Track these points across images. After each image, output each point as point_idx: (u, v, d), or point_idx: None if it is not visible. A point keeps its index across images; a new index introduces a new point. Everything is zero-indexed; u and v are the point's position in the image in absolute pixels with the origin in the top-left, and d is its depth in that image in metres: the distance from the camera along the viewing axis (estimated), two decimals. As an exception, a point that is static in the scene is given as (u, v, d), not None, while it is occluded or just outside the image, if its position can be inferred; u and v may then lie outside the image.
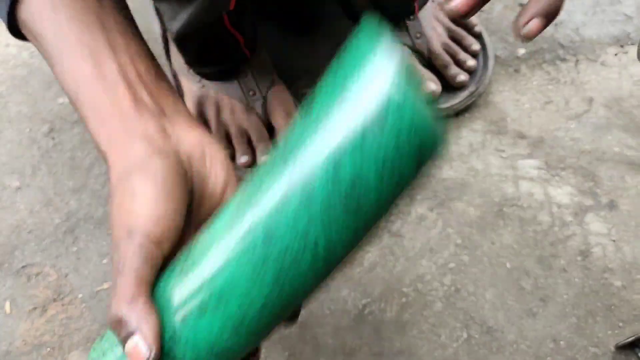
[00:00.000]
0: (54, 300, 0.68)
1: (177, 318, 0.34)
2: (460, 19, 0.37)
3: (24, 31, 0.40)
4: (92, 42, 0.38)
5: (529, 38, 0.38)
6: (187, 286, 0.34)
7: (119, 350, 0.36)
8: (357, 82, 0.29)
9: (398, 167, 0.29)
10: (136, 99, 0.38)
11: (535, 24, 0.38)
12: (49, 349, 0.65)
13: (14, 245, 0.71)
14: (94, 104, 0.38)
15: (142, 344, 0.33)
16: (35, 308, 0.67)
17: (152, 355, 0.33)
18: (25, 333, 0.66)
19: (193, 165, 0.38)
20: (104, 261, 0.70)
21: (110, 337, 0.37)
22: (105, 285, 0.68)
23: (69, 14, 0.38)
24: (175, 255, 0.36)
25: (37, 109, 0.82)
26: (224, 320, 0.33)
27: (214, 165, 0.39)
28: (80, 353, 0.64)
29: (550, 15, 0.38)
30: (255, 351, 0.39)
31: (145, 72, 0.39)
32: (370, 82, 0.29)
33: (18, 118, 0.81)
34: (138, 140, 0.37)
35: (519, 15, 0.38)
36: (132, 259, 0.34)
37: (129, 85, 0.38)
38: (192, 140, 0.39)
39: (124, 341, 0.34)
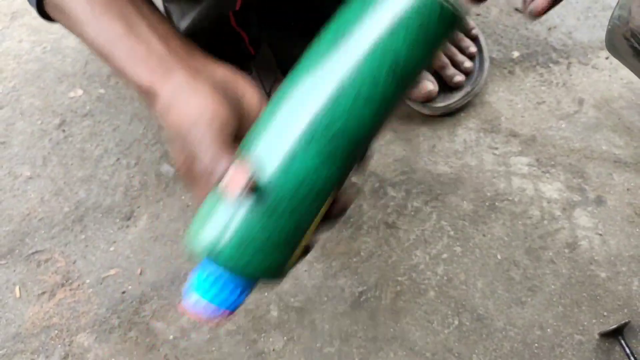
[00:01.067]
0: (62, 285, 0.70)
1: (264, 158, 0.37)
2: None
3: (50, 10, 0.43)
4: (120, 7, 0.42)
5: (534, 15, 0.40)
6: (271, 135, 0.38)
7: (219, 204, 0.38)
8: None
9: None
10: (169, 46, 0.41)
11: (541, 1, 0.39)
12: (57, 331, 0.67)
13: (24, 233, 0.74)
14: (131, 54, 0.41)
15: (236, 173, 0.35)
16: (44, 292, 0.70)
17: (251, 180, 0.35)
18: (34, 316, 0.68)
19: (228, 90, 0.41)
20: (111, 249, 0.73)
21: (203, 205, 0.39)
22: (112, 272, 0.71)
23: None
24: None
25: (48, 103, 0.85)
26: (313, 151, 0.37)
27: (246, 91, 0.42)
28: (87, 335, 0.67)
29: None
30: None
31: (171, 30, 0.43)
32: None
33: (30, 111, 0.84)
34: (179, 69, 0.40)
35: None
36: (203, 135, 0.37)
37: (160, 38, 0.42)
38: (223, 72, 0.42)
39: (219, 180, 0.36)
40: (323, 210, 0.39)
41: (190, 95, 0.39)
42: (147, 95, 0.41)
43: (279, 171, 0.37)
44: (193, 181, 0.40)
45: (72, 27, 0.43)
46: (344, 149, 0.38)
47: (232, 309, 0.39)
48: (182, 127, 0.38)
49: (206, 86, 0.39)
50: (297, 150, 0.37)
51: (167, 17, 0.45)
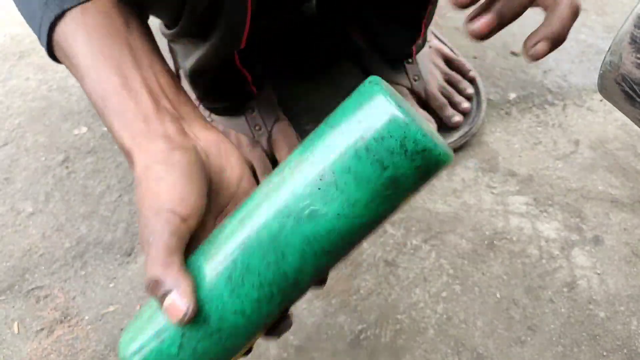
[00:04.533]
0: (61, 321, 0.70)
1: (207, 286, 0.37)
2: (478, 41, 0.40)
3: (57, 52, 0.45)
4: (119, 59, 0.43)
5: (535, 59, 0.42)
6: (215, 260, 0.37)
7: (157, 320, 0.38)
8: (361, 109, 0.34)
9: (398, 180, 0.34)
10: (158, 106, 0.42)
11: (541, 46, 0.41)
12: (54, 368, 0.67)
13: (24, 268, 0.74)
14: (120, 110, 0.42)
15: (179, 299, 0.36)
16: (42, 329, 0.70)
17: (190, 310, 0.36)
18: (32, 353, 0.68)
19: (210, 158, 0.42)
20: (111, 285, 0.73)
21: (142, 313, 0.39)
22: (111, 308, 0.71)
23: (99, 35, 0.43)
24: (199, 233, 0.40)
25: (53, 140, 0.86)
26: (251, 287, 0.37)
27: (229, 160, 0.43)
28: (85, 373, 0.66)
29: (556, 41, 0.42)
30: (286, 316, 0.42)
31: (167, 85, 0.44)
32: (374, 107, 0.33)
33: (34, 147, 0.85)
34: (160, 139, 0.41)
35: (528, 37, 0.42)
36: (161, 232, 0.37)
37: (152, 95, 0.43)
38: (208, 138, 0.43)
39: (161, 300, 0.36)
40: (260, 334, 0.40)
41: (163, 174, 0.39)
42: (128, 159, 0.42)
43: (218, 305, 0.37)
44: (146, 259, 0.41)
45: (73, 72, 0.45)
46: (291, 289, 0.37)
47: None
48: (145, 211, 0.39)
49: (182, 161, 0.40)
50: (237, 284, 0.37)
51: (167, 65, 0.46)
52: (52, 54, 0.46)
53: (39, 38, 0.45)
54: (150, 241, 0.37)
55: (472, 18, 0.40)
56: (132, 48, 0.43)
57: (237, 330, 0.38)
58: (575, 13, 0.42)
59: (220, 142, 0.43)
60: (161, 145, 0.40)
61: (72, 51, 0.43)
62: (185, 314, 0.36)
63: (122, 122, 0.42)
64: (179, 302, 0.36)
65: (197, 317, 0.37)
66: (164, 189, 0.39)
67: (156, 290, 0.37)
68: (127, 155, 0.42)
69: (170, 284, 0.36)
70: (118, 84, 0.42)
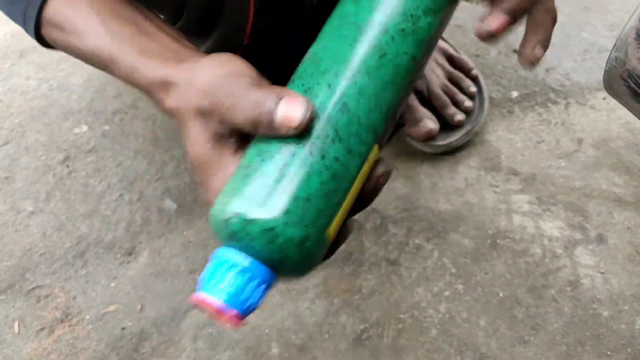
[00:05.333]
0: (62, 321, 0.70)
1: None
2: (489, 42, 0.41)
3: (46, 30, 0.43)
4: (129, 14, 0.42)
5: (536, 62, 0.43)
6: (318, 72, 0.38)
7: (255, 167, 0.34)
8: None
9: None
10: (181, 43, 0.41)
11: (539, 50, 0.43)
12: (55, 368, 0.67)
13: (25, 268, 0.74)
14: (141, 51, 0.40)
15: (292, 104, 0.33)
16: (43, 328, 0.69)
17: (308, 112, 0.33)
18: (32, 352, 0.68)
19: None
20: (112, 284, 0.72)
21: (232, 179, 0.36)
22: (112, 308, 0.70)
23: (100, 1, 0.42)
24: None
25: (53, 139, 0.86)
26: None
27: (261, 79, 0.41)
28: (86, 373, 0.66)
29: (547, 45, 0.43)
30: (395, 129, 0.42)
31: (179, 35, 0.43)
32: None
33: (35, 146, 0.85)
34: (195, 55, 0.39)
35: (524, 45, 0.43)
36: (241, 82, 0.35)
37: (171, 38, 0.41)
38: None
39: (267, 125, 0.33)
40: (356, 187, 0.37)
41: (212, 63, 0.37)
42: (161, 89, 0.39)
43: (335, 107, 0.35)
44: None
45: (72, 41, 0.43)
46: (393, 90, 0.38)
47: (243, 309, 0.34)
48: (210, 87, 0.35)
49: (229, 62, 0.38)
50: (350, 90, 0.36)
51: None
52: (39, 37, 0.45)
53: (24, 23, 0.43)
54: (229, 101, 0.34)
55: (483, 20, 0.41)
56: (137, 8, 0.42)
57: (355, 130, 0.36)
58: (554, 20, 0.43)
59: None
60: (199, 56, 0.39)
61: (69, 19, 0.42)
62: (304, 116, 0.32)
63: (147, 56, 0.39)
64: (293, 106, 0.32)
65: (309, 135, 0.33)
66: (221, 65, 0.36)
67: (260, 118, 0.33)
68: (159, 85, 0.38)
69: (276, 97, 0.33)
70: (134, 31, 0.40)
